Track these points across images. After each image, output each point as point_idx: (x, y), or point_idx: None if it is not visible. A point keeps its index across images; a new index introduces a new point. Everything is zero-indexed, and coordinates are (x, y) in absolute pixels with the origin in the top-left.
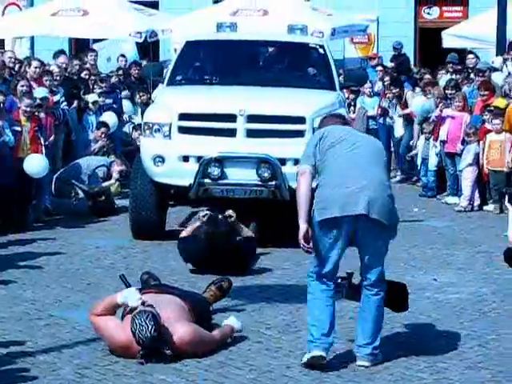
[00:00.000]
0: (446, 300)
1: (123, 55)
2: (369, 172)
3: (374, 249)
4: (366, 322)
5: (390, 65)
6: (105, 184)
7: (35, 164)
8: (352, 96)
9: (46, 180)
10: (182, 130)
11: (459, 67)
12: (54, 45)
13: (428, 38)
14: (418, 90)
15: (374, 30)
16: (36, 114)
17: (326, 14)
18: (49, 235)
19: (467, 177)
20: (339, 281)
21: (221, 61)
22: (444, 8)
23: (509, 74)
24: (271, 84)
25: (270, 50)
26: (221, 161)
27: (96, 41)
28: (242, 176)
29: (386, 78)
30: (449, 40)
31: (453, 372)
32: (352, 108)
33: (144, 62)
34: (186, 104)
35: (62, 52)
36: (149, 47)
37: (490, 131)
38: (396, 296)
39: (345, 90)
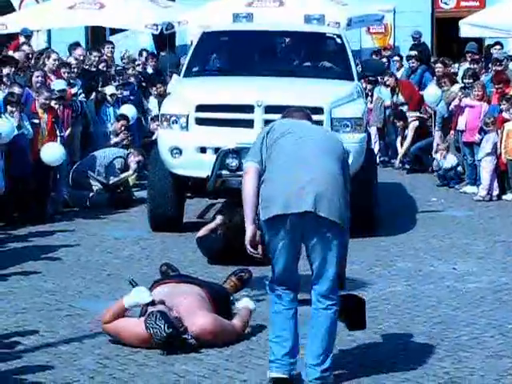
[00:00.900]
0: (466, 289)
1: (146, 50)
2: (317, 166)
3: (324, 253)
4: (314, 340)
5: (412, 53)
6: (122, 175)
7: (52, 152)
8: (369, 86)
9: (64, 172)
10: (200, 122)
11: (477, 56)
12: (71, 37)
13: (445, 27)
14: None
15: (390, 20)
16: (54, 106)
17: (342, 3)
18: (68, 227)
19: (486, 166)
20: None
21: (238, 51)
22: None
23: None
24: (289, 74)
25: (287, 40)
26: (238, 152)
27: (112, 34)
28: None
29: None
30: (466, 29)
31: (474, 361)
32: (369, 98)
33: (163, 54)
34: (203, 95)
35: (77, 44)
36: (165, 39)
37: (507, 120)
38: (352, 311)
39: (362, 80)
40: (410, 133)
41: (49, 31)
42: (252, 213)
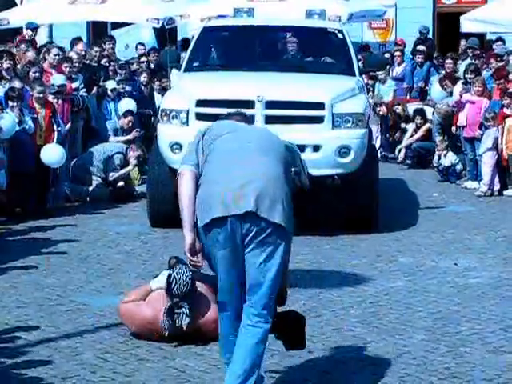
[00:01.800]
0: (467, 284)
1: (142, 44)
2: (258, 166)
3: (262, 259)
4: (236, 358)
5: (421, 48)
6: (122, 171)
7: (52, 154)
8: (371, 82)
9: (65, 167)
10: (200, 117)
11: (478, 52)
12: (73, 33)
13: (446, 22)
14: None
15: (392, 15)
16: (51, 100)
17: None
18: (69, 221)
19: (487, 161)
20: None
21: (238, 46)
22: None
23: None
24: (289, 69)
25: (288, 35)
26: None
27: (114, 28)
28: None
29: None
30: (467, 25)
31: (475, 356)
32: (371, 94)
33: (165, 48)
34: (203, 90)
35: (79, 39)
36: (166, 33)
37: (509, 116)
38: (289, 329)
39: (364, 76)
40: (420, 132)
41: (50, 26)
42: (190, 218)
